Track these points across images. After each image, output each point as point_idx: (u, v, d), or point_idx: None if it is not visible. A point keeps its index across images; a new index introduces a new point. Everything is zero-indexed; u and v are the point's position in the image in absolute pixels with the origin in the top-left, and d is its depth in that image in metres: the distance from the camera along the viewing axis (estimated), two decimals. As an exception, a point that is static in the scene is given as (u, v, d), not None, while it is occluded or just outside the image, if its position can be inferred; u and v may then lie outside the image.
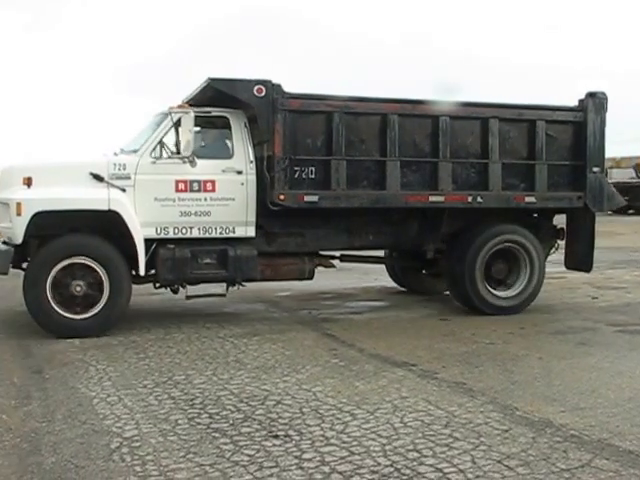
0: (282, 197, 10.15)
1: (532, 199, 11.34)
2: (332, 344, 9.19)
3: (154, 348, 8.94)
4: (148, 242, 9.87)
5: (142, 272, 9.78)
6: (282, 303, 12.63)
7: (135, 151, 10.15)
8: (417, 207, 11.05)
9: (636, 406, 6.54)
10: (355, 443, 5.58)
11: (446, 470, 5.02)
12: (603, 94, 11.65)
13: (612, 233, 26.75)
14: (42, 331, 9.52)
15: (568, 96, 12.16)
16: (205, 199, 10.14)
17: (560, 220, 12.42)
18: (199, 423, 6.09)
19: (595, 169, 11.58)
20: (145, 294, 11.13)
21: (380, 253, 13.01)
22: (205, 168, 10.16)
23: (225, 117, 10.56)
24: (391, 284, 14.15)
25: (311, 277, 11.20)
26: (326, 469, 5.06)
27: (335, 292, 13.81)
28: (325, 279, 14.43)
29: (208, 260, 10.17)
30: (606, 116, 11.66)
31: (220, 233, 10.26)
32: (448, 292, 12.36)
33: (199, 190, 10.12)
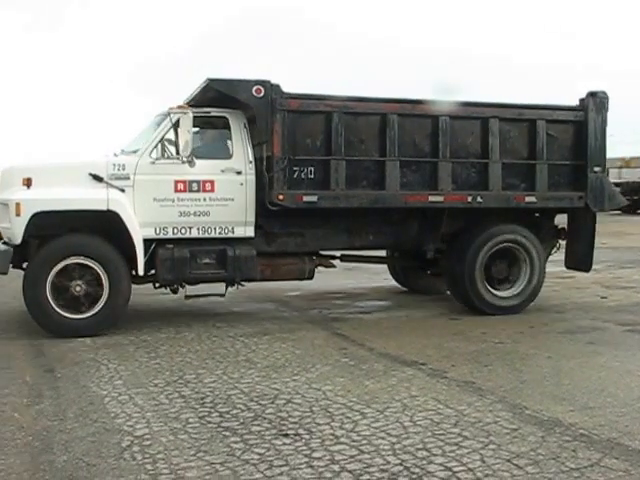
0: (281, 197, 10.15)
1: (532, 199, 11.31)
2: (342, 343, 9.22)
3: (165, 347, 8.99)
4: (147, 242, 9.89)
5: (141, 272, 9.81)
6: (292, 302, 12.65)
7: (135, 152, 10.19)
8: (417, 207, 11.03)
9: (645, 405, 6.55)
10: (365, 442, 5.60)
11: (455, 469, 5.04)
12: (604, 93, 11.60)
13: (621, 233, 26.74)
14: (53, 330, 9.57)
15: (572, 95, 12.14)
16: (204, 199, 10.15)
17: (562, 220, 12.40)
18: (210, 422, 6.12)
19: (596, 169, 11.54)
20: (155, 293, 11.17)
21: (381, 253, 13.00)
22: (204, 168, 10.17)
23: (224, 117, 10.57)
24: (400, 284, 14.14)
25: (311, 277, 11.18)
26: (336, 468, 5.08)
27: (345, 292, 13.82)
28: (335, 279, 14.47)
29: (207, 260, 10.16)
30: (607, 115, 11.61)
31: (219, 233, 10.26)
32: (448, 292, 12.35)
33: (198, 190, 10.12)
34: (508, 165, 11.22)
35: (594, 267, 13.27)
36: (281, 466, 5.12)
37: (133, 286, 10.46)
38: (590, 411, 6.36)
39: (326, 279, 13.25)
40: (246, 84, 10.09)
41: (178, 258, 9.95)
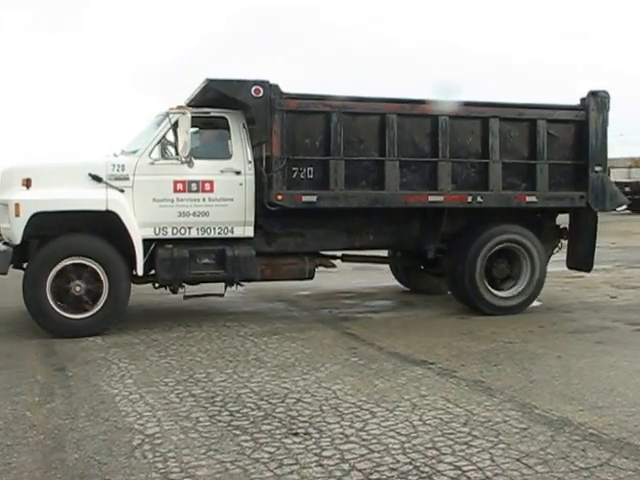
0: (280, 197, 10.15)
1: (533, 199, 11.28)
2: (351, 342, 9.23)
3: (175, 346, 9.02)
4: (147, 242, 9.90)
5: (140, 272, 9.82)
6: (301, 302, 12.67)
7: (134, 152, 10.21)
8: (417, 207, 11.01)
9: (655, 405, 6.55)
10: (374, 441, 5.62)
11: (465, 468, 5.05)
12: (605, 93, 11.56)
13: (630, 232, 26.70)
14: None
15: (573, 94, 12.14)
16: (203, 199, 10.16)
17: (564, 220, 12.39)
18: (220, 421, 6.15)
19: (597, 168, 11.49)
20: (166, 293, 11.18)
21: (382, 253, 13.00)
22: (203, 168, 10.18)
23: (224, 118, 10.57)
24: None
25: (311, 277, 11.16)
26: (346, 466, 5.10)
27: (354, 291, 13.84)
28: (345, 278, 14.50)
29: (206, 260, 10.16)
30: (608, 115, 11.57)
31: (219, 233, 10.26)
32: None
33: (197, 190, 10.13)
34: (508, 165, 11.19)
35: (604, 267, 13.33)
36: (291, 465, 5.14)
37: (144, 286, 10.53)
38: (599, 410, 6.37)
39: (336, 279, 13.26)
40: (245, 84, 10.09)
41: (177, 258, 9.96)
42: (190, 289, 10.54)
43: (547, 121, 11.30)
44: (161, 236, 10.04)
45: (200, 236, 10.20)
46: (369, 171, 10.66)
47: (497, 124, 11.07)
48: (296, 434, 5.78)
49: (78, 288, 9.59)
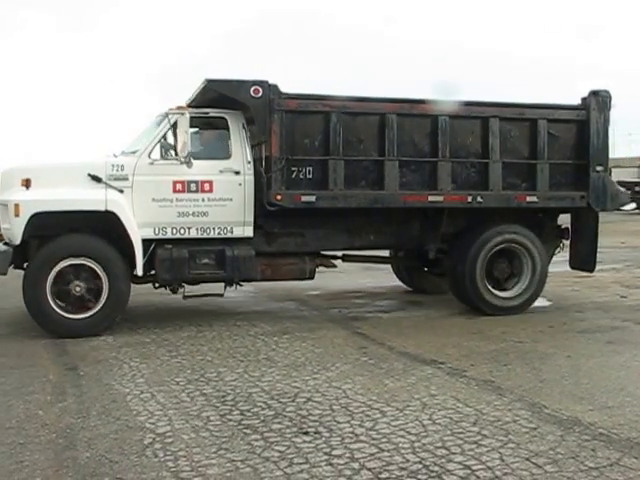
0: (279, 197, 10.15)
1: (534, 199, 11.23)
2: (362, 342, 9.25)
3: (186, 346, 9.06)
4: (147, 242, 9.92)
5: (140, 272, 9.84)
6: (312, 302, 12.69)
7: (134, 152, 10.23)
8: (417, 207, 10.99)
9: (665, 405, 6.54)
10: (384, 440, 5.64)
11: (474, 467, 5.06)
12: (606, 92, 11.51)
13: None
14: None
15: (573, 93, 12.14)
16: (203, 199, 10.16)
17: (565, 220, 12.36)
18: (230, 420, 6.18)
19: (598, 168, 11.43)
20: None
21: (383, 253, 13.01)
22: (203, 169, 10.20)
23: (223, 118, 10.57)
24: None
25: (312, 277, 11.15)
26: (355, 465, 5.12)
27: (364, 291, 13.85)
28: (353, 278, 14.51)
29: (206, 260, 10.17)
30: (610, 114, 11.52)
31: (218, 233, 10.27)
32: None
33: (196, 191, 10.13)
34: (509, 165, 11.16)
35: (614, 266, 13.29)
36: (301, 464, 5.17)
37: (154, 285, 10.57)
38: (609, 410, 6.37)
39: (345, 278, 13.26)
40: (244, 84, 10.09)
41: (177, 258, 9.98)
42: (190, 289, 10.57)
43: (548, 121, 11.26)
44: (160, 236, 10.06)
45: (199, 236, 10.21)
46: (368, 171, 10.64)
47: (497, 124, 11.03)
48: (306, 433, 5.81)
49: (78, 288, 9.61)
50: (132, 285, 10.32)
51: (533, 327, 10.18)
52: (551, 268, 11.98)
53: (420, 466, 5.10)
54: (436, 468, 5.06)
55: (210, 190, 10.20)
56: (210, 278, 10.37)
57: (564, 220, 12.40)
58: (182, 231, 10.14)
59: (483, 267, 11.14)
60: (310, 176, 10.36)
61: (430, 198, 10.80)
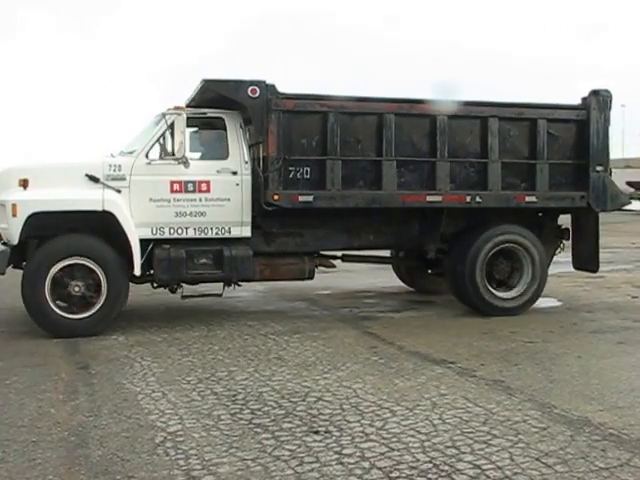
0: (276, 197, 10.15)
1: (533, 199, 11.20)
2: (372, 342, 9.27)
3: (197, 345, 9.09)
4: (145, 242, 9.93)
5: (138, 272, 9.84)
6: (322, 301, 12.70)
7: (132, 152, 10.24)
8: (416, 207, 10.97)
9: (675, 405, 6.54)
10: (394, 439, 5.65)
11: (484, 467, 5.07)
12: (607, 92, 11.46)
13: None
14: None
15: (573, 92, 12.11)
16: (200, 200, 10.16)
17: (566, 220, 12.33)
18: (241, 418, 6.20)
19: (598, 168, 11.37)
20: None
21: (384, 253, 13.00)
22: (200, 169, 10.24)
23: (221, 118, 10.57)
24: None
25: (311, 277, 11.13)
26: (366, 465, 5.14)
27: (374, 291, 13.86)
28: (363, 278, 14.52)
29: (204, 260, 10.16)
30: (610, 114, 11.48)
31: (216, 233, 10.27)
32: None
33: (194, 191, 10.13)
34: (508, 164, 11.13)
35: (624, 267, 13.26)
36: (312, 463, 5.19)
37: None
38: (619, 411, 6.37)
39: (355, 278, 13.26)
40: (241, 85, 10.09)
41: (175, 258, 9.98)
42: (189, 289, 10.60)
43: (547, 120, 11.23)
44: (158, 236, 10.07)
45: (197, 236, 10.21)
46: (366, 171, 10.63)
47: (496, 124, 11.00)
48: (317, 432, 5.83)
49: (77, 288, 9.62)
50: (139, 285, 10.38)
51: (543, 327, 10.17)
52: (561, 269, 11.99)
53: (430, 465, 5.11)
54: (446, 467, 5.07)
55: (207, 190, 10.20)
56: (208, 278, 10.38)
57: (564, 220, 12.37)
58: (180, 231, 10.15)
59: (483, 267, 11.12)
60: (308, 176, 10.36)
61: (429, 198, 10.79)
